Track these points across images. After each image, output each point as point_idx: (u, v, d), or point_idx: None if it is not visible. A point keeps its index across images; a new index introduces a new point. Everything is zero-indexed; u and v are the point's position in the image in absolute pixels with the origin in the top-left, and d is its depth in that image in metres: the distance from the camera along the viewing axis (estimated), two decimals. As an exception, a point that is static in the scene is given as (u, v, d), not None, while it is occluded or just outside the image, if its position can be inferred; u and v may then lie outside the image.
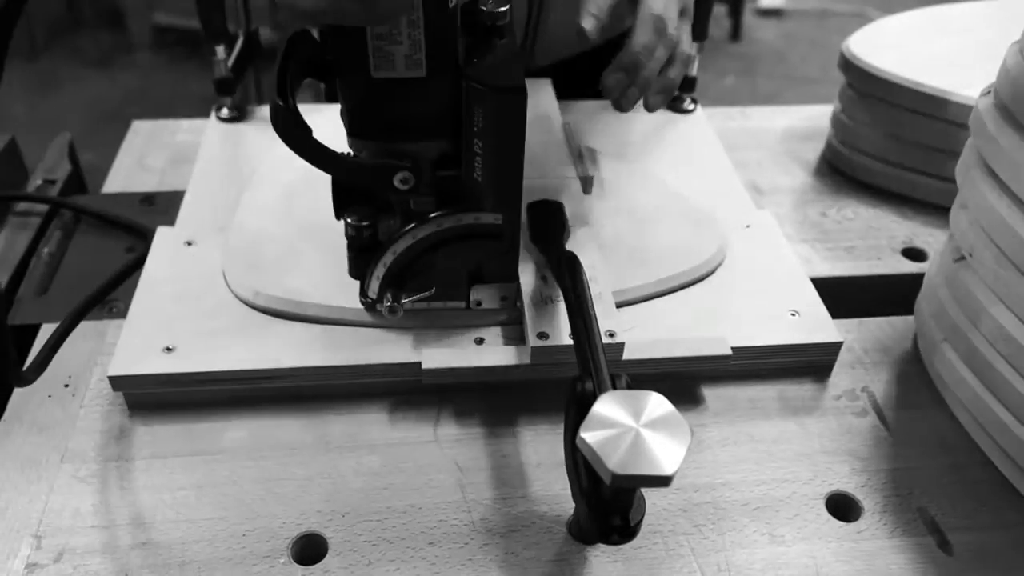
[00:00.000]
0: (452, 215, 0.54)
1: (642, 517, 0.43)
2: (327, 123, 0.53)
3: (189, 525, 0.50)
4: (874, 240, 0.77)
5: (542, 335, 0.56)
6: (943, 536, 0.51)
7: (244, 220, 0.67)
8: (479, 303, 0.60)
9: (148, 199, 0.78)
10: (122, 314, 0.64)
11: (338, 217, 0.57)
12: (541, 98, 0.82)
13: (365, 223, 0.55)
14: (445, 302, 0.60)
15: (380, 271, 0.56)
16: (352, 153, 0.53)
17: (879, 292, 0.73)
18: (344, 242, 0.58)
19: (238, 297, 0.62)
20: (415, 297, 0.57)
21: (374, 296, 0.57)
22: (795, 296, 0.64)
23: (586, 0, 0.61)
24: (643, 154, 0.82)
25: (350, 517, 0.51)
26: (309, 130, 0.50)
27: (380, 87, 0.50)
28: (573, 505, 0.48)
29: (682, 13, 0.66)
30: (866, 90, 0.80)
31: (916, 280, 0.67)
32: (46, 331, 0.63)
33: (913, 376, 0.63)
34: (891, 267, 0.74)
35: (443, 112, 0.51)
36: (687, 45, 0.68)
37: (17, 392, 0.58)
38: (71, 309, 0.63)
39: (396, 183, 0.52)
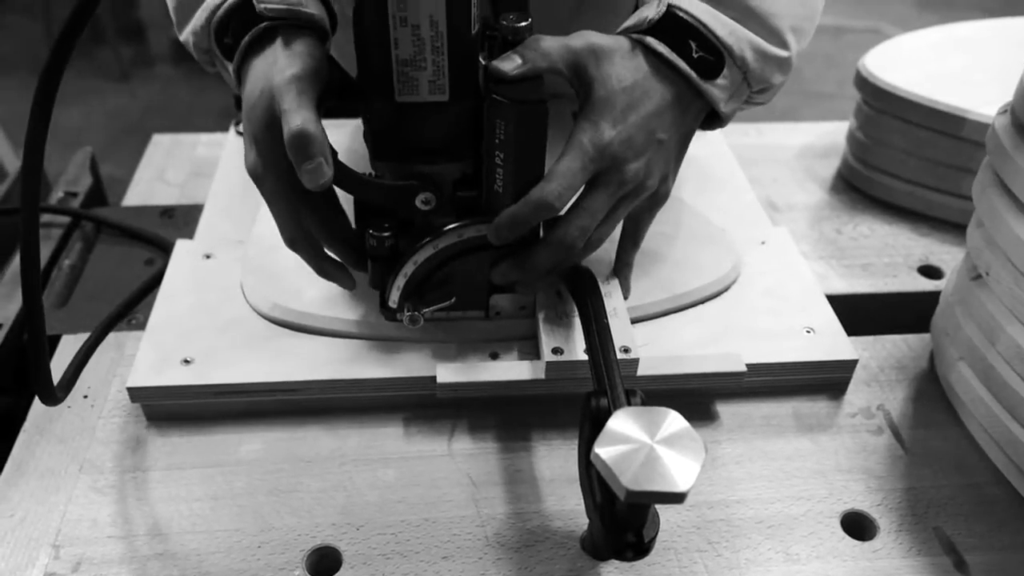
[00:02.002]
0: (473, 225, 0.55)
1: (656, 534, 0.43)
2: (345, 137, 0.54)
3: (205, 536, 0.50)
4: (890, 257, 0.77)
5: (557, 350, 0.57)
6: (959, 556, 0.51)
7: (262, 233, 0.68)
8: (498, 312, 0.60)
9: (167, 212, 0.79)
10: (141, 326, 0.65)
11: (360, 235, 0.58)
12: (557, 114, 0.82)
13: (386, 234, 0.56)
14: (464, 311, 0.60)
15: (401, 281, 0.56)
16: (375, 174, 0.54)
17: (895, 310, 0.73)
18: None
19: (256, 310, 0.62)
20: (435, 307, 0.57)
21: (394, 306, 0.57)
22: (810, 313, 0.64)
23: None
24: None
25: (365, 530, 0.51)
26: (334, 152, 0.51)
27: (404, 111, 0.51)
28: (587, 521, 0.48)
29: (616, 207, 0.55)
30: (882, 107, 0.80)
31: (932, 298, 0.67)
32: (67, 342, 0.64)
33: (929, 394, 0.62)
34: (907, 285, 0.74)
35: (465, 135, 0.53)
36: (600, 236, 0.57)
37: (37, 403, 0.59)
38: (92, 321, 0.63)
39: (418, 204, 0.54)
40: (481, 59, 0.51)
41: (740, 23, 0.53)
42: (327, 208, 0.56)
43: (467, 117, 0.52)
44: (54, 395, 0.49)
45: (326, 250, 0.57)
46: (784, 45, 0.54)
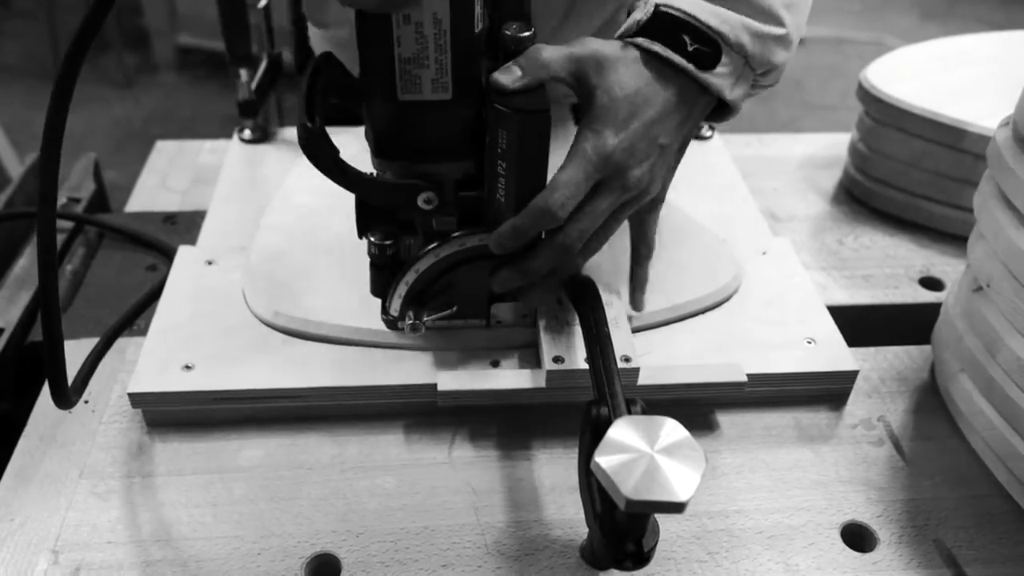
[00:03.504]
0: (474, 234, 0.55)
1: (656, 543, 0.43)
2: (347, 145, 0.54)
3: (205, 542, 0.50)
4: (891, 269, 0.77)
5: (557, 359, 0.57)
6: (960, 569, 0.51)
7: (264, 240, 0.68)
8: (499, 321, 0.61)
9: (170, 218, 0.79)
10: (143, 331, 0.65)
11: (361, 236, 0.58)
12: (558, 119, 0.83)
13: (388, 241, 0.56)
14: (466, 320, 0.60)
15: (402, 289, 0.56)
16: (377, 173, 0.54)
17: (896, 321, 0.73)
18: (363, 263, 0.58)
19: (257, 316, 0.62)
20: (436, 315, 0.58)
21: (396, 314, 0.57)
22: (811, 324, 0.64)
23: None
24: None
25: (364, 538, 0.51)
26: (336, 150, 0.51)
27: (407, 109, 0.50)
28: (587, 530, 0.48)
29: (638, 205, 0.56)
30: (884, 119, 0.81)
31: (933, 309, 0.67)
32: (68, 347, 0.64)
33: (930, 406, 0.62)
34: (908, 296, 0.74)
35: (467, 134, 0.52)
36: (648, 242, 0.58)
37: (38, 407, 0.59)
38: (94, 326, 0.64)
39: (420, 203, 0.53)
40: (484, 61, 0.51)
41: (731, 8, 0.53)
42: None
43: (470, 116, 0.52)
44: (68, 397, 0.49)
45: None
46: (779, 22, 0.54)
